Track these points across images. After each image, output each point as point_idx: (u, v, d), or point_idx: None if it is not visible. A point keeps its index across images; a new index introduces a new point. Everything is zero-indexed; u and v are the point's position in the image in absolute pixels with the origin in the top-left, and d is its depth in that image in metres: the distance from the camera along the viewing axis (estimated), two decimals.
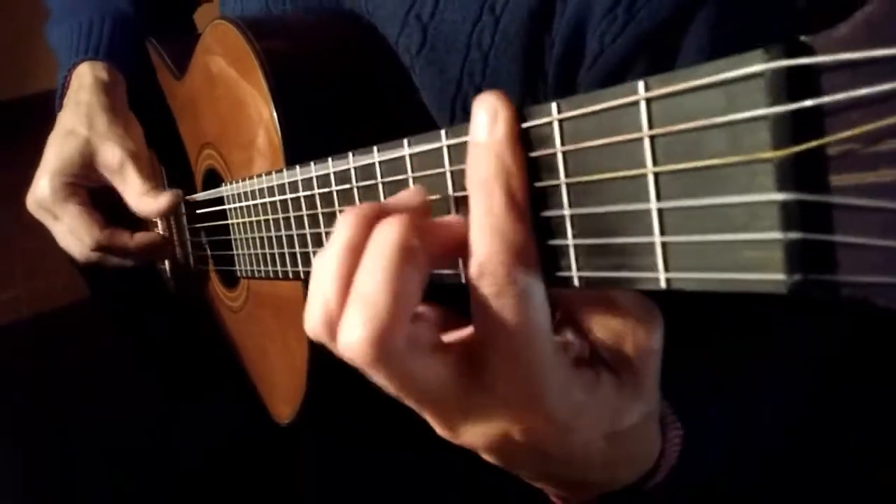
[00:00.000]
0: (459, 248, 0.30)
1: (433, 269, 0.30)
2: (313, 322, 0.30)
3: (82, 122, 0.72)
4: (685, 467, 0.40)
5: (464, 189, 0.33)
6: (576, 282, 0.28)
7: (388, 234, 0.28)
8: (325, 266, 0.30)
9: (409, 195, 0.32)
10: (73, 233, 0.70)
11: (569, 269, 0.28)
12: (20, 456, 0.73)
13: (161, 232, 0.79)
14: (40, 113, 0.86)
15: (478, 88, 0.56)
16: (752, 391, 0.53)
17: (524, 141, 0.28)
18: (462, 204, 0.32)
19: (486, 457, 0.33)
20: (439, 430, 0.32)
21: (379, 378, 0.29)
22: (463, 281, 0.31)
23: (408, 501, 0.72)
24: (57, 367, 0.79)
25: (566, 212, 0.27)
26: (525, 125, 0.28)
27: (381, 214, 0.30)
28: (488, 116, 0.28)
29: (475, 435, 0.31)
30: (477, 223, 0.28)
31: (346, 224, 0.30)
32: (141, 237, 0.72)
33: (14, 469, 0.71)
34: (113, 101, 0.74)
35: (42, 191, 0.70)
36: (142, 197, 0.69)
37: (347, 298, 0.28)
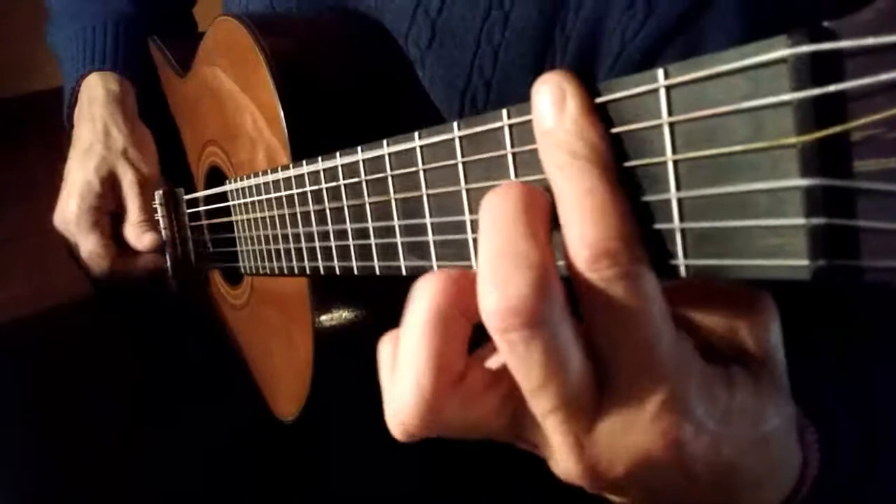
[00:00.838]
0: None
1: None
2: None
3: (99, 140, 0.75)
4: (825, 479, 0.35)
5: (476, 181, 0.33)
6: (682, 272, 0.25)
7: (507, 192, 0.26)
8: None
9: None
10: (90, 261, 0.76)
11: (675, 256, 0.25)
12: (20, 454, 0.72)
13: (164, 230, 0.80)
14: (42, 112, 0.86)
15: (487, 82, 0.56)
16: (882, 387, 0.45)
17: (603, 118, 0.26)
18: None
19: (626, 495, 0.28)
20: (568, 455, 0.27)
21: (529, 346, 0.24)
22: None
23: (415, 500, 0.72)
24: (58, 366, 0.79)
25: (673, 195, 0.24)
26: (600, 100, 0.25)
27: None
28: (553, 96, 0.25)
29: (612, 455, 0.26)
30: (574, 207, 0.25)
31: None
32: (144, 260, 0.78)
33: (14, 467, 0.71)
34: (126, 116, 0.77)
35: (70, 214, 0.75)
36: (132, 226, 0.76)
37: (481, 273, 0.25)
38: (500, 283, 0.24)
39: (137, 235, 0.76)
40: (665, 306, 0.25)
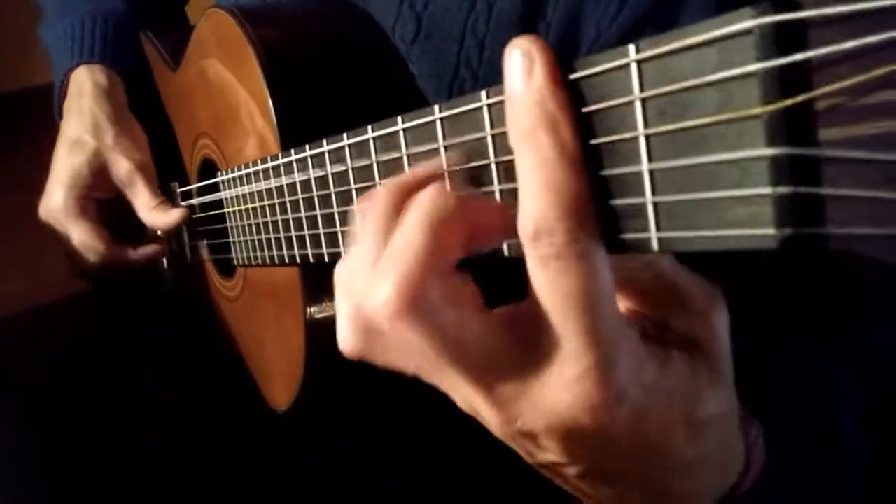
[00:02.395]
0: (498, 225, 0.28)
1: (472, 246, 0.29)
2: (351, 295, 0.29)
3: (89, 132, 0.74)
4: (773, 475, 0.36)
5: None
6: (654, 245, 0.25)
7: (421, 198, 0.28)
8: (356, 245, 0.29)
9: (424, 166, 0.32)
10: (82, 250, 0.74)
11: (644, 230, 0.25)
12: (20, 449, 0.72)
13: (161, 235, 0.80)
14: (40, 106, 0.86)
15: (475, 74, 0.56)
16: (830, 390, 0.47)
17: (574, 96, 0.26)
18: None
19: (546, 451, 0.29)
20: (491, 414, 0.29)
21: (410, 337, 0.27)
22: (506, 254, 0.30)
23: (412, 493, 0.72)
24: (57, 361, 0.79)
25: (645, 168, 0.24)
26: (574, 76, 0.26)
27: (405, 190, 0.29)
28: (523, 63, 0.26)
29: (535, 415, 0.28)
30: (527, 179, 0.25)
31: (372, 205, 0.29)
32: (143, 251, 0.76)
33: (14, 462, 0.71)
34: (115, 108, 0.77)
35: (56, 203, 0.73)
36: (152, 211, 0.73)
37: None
38: (379, 275, 0.27)
39: (162, 214, 0.73)
40: (609, 284, 0.26)
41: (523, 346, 0.27)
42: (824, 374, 0.47)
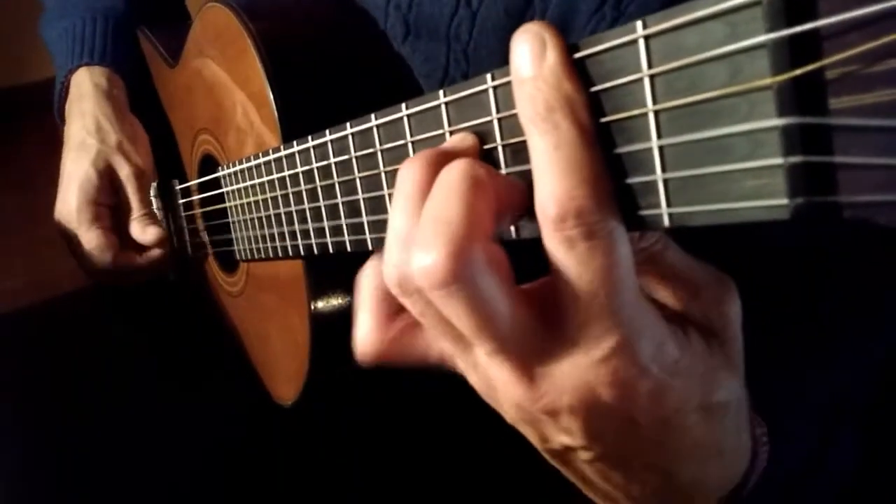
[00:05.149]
0: (518, 204, 0.28)
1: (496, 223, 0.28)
2: (391, 264, 0.28)
3: (92, 135, 0.76)
4: (772, 471, 0.36)
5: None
6: (665, 220, 0.25)
7: (456, 166, 0.27)
8: (397, 211, 0.28)
9: (462, 138, 0.31)
10: (91, 256, 0.76)
11: (655, 206, 0.25)
12: (21, 444, 0.73)
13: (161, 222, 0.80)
14: (40, 102, 0.87)
15: (465, 73, 0.56)
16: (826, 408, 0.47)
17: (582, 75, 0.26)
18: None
19: (564, 432, 0.29)
20: (515, 392, 0.29)
21: (454, 305, 0.26)
22: (514, 236, 0.30)
23: (419, 486, 0.73)
24: (58, 356, 0.80)
25: (655, 144, 0.24)
26: (579, 55, 0.25)
27: (443, 157, 0.29)
28: (533, 47, 0.25)
29: (559, 388, 0.28)
30: (545, 161, 0.25)
31: (411, 168, 0.28)
32: (148, 255, 0.78)
33: (15, 457, 0.71)
34: (116, 110, 0.78)
35: (69, 210, 0.75)
36: (135, 221, 0.77)
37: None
38: (423, 244, 0.26)
39: (142, 229, 0.76)
40: (630, 263, 0.26)
41: (549, 324, 0.27)
42: (821, 389, 0.47)
